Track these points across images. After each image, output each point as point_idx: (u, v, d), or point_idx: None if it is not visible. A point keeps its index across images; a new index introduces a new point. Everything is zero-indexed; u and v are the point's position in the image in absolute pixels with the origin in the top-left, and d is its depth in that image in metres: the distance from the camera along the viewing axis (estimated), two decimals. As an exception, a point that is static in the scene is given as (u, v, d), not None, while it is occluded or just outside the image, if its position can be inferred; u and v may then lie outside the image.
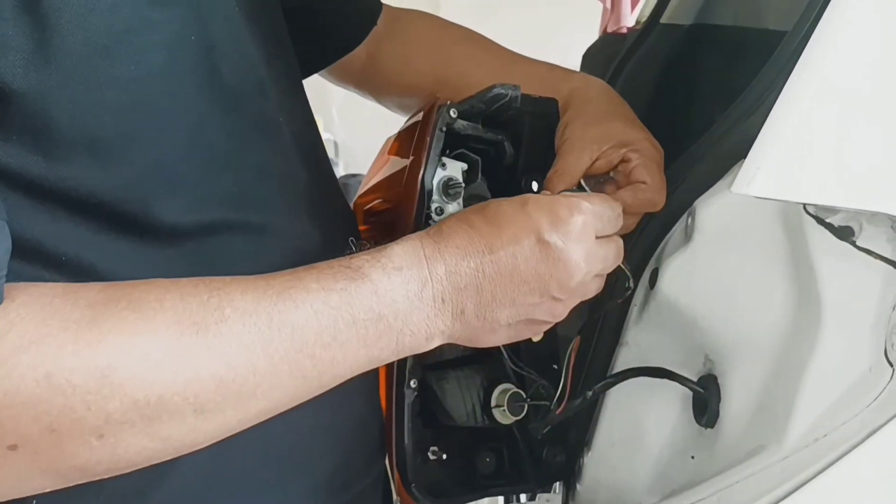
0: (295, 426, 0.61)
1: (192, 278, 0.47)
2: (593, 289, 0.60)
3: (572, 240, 0.54)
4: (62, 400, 0.41)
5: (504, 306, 0.54)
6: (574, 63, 1.09)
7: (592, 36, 1.31)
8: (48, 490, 0.45)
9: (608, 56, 1.14)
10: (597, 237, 0.57)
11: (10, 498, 0.45)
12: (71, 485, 0.45)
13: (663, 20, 1.09)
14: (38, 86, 0.45)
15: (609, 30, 1.69)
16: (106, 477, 0.45)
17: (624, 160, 0.68)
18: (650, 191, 0.67)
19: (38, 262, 0.47)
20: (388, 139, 0.77)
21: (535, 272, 0.54)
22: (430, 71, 0.81)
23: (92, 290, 0.45)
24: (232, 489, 0.60)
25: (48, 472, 0.43)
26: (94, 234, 0.51)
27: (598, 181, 0.70)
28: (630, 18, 1.83)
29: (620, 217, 0.60)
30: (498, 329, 0.56)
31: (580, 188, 0.69)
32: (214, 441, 0.48)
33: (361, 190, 0.79)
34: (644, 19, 1.14)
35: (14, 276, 0.43)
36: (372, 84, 0.87)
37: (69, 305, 0.43)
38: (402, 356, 0.54)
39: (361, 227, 0.75)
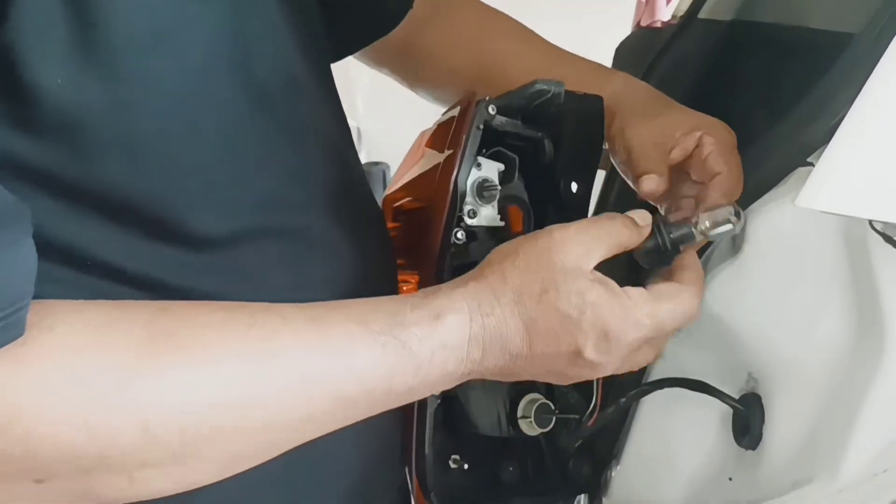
0: (316, 447, 0.59)
1: (244, 315, 0.46)
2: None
3: (613, 355, 0.53)
4: (98, 448, 0.40)
5: (529, 375, 0.55)
6: (606, 58, 1.05)
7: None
8: None
9: (642, 51, 1.10)
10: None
11: None
12: None
13: (702, 15, 1.05)
14: (74, 81, 0.43)
15: (643, 23, 1.65)
16: None
17: (698, 146, 0.63)
18: (728, 181, 0.61)
19: (66, 265, 0.45)
20: (423, 133, 0.74)
21: (563, 367, 0.54)
22: (468, 67, 0.78)
23: (137, 321, 0.42)
24: None
25: None
26: (125, 239, 0.48)
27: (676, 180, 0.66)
28: (665, 12, 1.78)
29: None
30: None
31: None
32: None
33: (392, 186, 0.76)
34: (681, 14, 1.10)
35: (42, 277, 0.39)
36: (407, 71, 0.84)
37: (115, 338, 0.41)
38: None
39: (390, 225, 0.72)
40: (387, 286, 0.67)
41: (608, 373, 0.55)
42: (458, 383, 0.53)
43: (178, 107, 0.48)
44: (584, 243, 0.53)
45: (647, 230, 0.57)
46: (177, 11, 0.46)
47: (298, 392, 0.46)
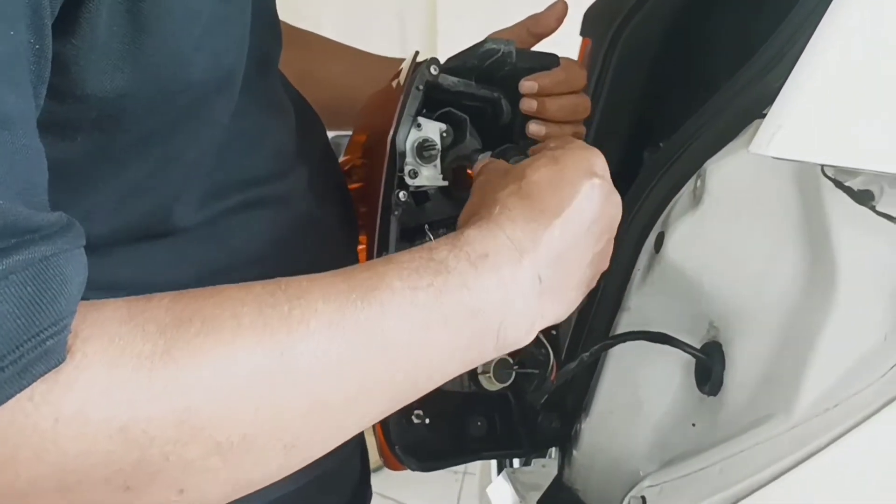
0: None
1: (267, 282, 0.41)
2: None
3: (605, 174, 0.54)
4: (137, 454, 0.36)
5: (585, 261, 0.53)
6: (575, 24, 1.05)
7: None
8: None
9: (613, 11, 1.10)
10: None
11: None
12: None
13: (670, -25, 1.06)
14: (120, 88, 0.41)
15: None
16: None
17: None
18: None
19: None
20: (371, 95, 0.75)
21: (597, 213, 0.52)
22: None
23: (159, 308, 0.38)
24: None
25: None
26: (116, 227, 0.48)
27: None
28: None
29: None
30: (583, 288, 0.54)
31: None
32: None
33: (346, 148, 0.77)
34: (651, -28, 1.10)
35: None
36: None
37: (138, 335, 0.37)
38: (502, 353, 0.49)
39: (351, 187, 0.73)
40: (350, 254, 0.69)
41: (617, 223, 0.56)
42: (537, 303, 0.48)
43: (200, 105, 0.46)
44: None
45: None
46: (212, 18, 0.44)
47: (338, 347, 0.41)
